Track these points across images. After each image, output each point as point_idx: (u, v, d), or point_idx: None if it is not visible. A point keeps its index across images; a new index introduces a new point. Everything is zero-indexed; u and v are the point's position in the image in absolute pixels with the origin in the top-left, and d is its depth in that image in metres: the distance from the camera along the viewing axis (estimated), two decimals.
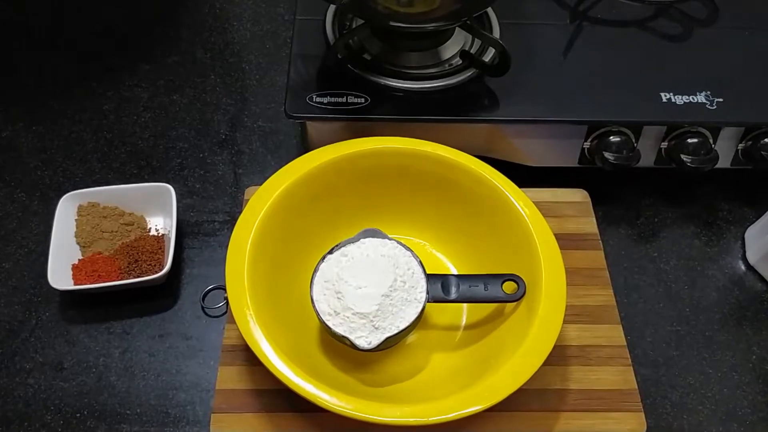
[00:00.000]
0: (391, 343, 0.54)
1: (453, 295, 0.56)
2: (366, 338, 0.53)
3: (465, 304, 0.60)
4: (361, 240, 0.57)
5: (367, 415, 0.48)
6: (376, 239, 0.57)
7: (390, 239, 0.57)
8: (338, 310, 0.53)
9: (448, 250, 0.64)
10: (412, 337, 0.59)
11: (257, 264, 0.55)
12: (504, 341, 0.54)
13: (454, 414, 0.48)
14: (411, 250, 0.57)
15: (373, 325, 0.53)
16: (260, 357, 0.50)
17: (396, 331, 0.53)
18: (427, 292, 0.55)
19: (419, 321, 0.55)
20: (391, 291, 0.53)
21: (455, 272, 0.62)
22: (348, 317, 0.53)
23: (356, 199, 0.62)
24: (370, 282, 0.54)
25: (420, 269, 0.56)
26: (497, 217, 0.59)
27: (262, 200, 0.57)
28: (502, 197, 0.59)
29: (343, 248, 0.57)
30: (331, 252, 0.57)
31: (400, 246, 0.57)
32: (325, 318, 0.54)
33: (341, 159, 0.60)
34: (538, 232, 0.56)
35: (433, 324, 0.60)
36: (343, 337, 0.53)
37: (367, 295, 0.53)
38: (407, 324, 0.53)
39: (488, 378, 0.50)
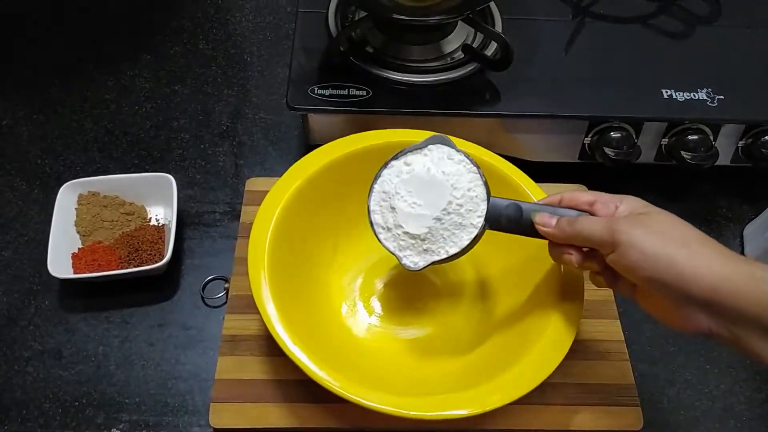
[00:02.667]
0: (440, 265, 0.52)
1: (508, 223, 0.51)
2: (413, 259, 0.51)
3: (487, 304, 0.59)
4: (428, 147, 0.53)
5: (369, 402, 0.48)
6: (443, 148, 0.53)
7: (458, 151, 0.52)
8: (390, 225, 0.52)
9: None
10: (425, 331, 0.59)
11: (281, 241, 0.55)
12: (508, 355, 0.54)
13: (435, 414, 0.48)
14: (478, 168, 0.52)
15: (422, 248, 0.51)
16: (279, 342, 0.50)
17: (445, 256, 0.51)
18: (486, 220, 0.51)
19: (473, 247, 0.51)
20: (444, 215, 0.50)
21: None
22: (398, 235, 0.51)
23: None
24: (425, 201, 0.51)
25: (483, 190, 0.51)
26: None
27: (300, 172, 0.58)
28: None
29: (407, 156, 0.53)
30: (395, 158, 0.53)
31: (466, 161, 0.52)
32: (377, 230, 0.52)
33: (378, 147, 0.60)
34: None
35: (449, 320, 0.60)
36: (392, 253, 0.52)
37: (420, 216, 0.51)
38: (458, 250, 0.51)
39: (487, 383, 0.50)
